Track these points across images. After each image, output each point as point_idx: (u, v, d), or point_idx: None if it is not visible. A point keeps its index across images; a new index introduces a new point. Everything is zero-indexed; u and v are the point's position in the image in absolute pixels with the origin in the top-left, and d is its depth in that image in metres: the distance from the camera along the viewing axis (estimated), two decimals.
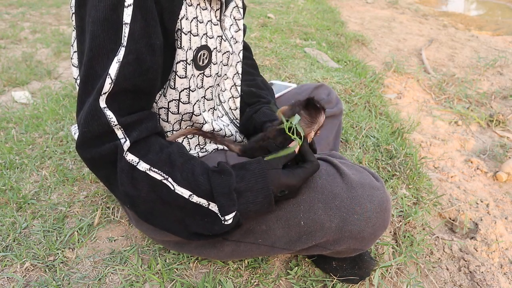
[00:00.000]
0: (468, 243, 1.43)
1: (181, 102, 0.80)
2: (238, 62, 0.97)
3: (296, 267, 1.04)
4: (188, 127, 0.88)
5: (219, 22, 0.85)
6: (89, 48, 0.64)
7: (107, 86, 0.64)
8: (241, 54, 0.97)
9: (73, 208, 1.22)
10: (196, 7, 0.77)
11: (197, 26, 0.77)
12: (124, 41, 0.64)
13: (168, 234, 0.82)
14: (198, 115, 0.84)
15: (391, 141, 1.75)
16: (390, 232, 1.27)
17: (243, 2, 0.95)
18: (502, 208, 1.72)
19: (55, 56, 2.86)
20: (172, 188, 0.68)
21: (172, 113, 0.82)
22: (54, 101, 1.99)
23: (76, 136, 0.78)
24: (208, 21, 0.81)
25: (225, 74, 0.94)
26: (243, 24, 0.97)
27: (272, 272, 1.02)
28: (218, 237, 0.74)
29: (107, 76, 0.63)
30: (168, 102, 0.80)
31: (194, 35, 0.76)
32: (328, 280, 1.01)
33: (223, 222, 0.69)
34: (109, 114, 0.65)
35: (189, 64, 0.77)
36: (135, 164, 0.67)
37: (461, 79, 3.19)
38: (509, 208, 1.72)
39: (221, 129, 0.93)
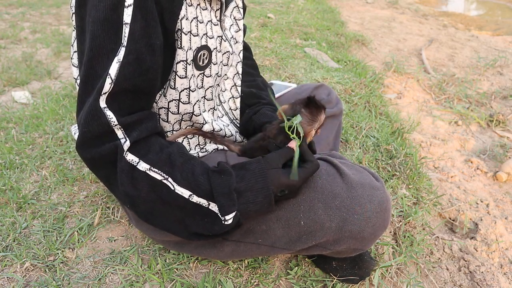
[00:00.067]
0: (468, 243, 1.43)
1: (181, 102, 0.80)
2: (238, 62, 0.97)
3: (296, 267, 1.04)
4: (188, 127, 0.88)
5: (219, 22, 0.85)
6: (89, 48, 0.64)
7: (107, 86, 0.64)
8: (241, 54, 0.97)
9: (73, 208, 1.22)
10: (196, 7, 0.77)
11: (197, 26, 0.77)
12: (124, 41, 0.64)
13: (168, 234, 0.82)
14: (198, 115, 0.84)
15: (391, 141, 1.75)
16: (390, 232, 1.27)
17: (243, 2, 0.95)
18: (502, 208, 1.72)
19: (55, 56, 2.86)
20: (172, 188, 0.68)
21: (172, 113, 0.82)
22: (54, 101, 1.99)
23: (76, 136, 0.78)
24: (208, 21, 0.81)
25: (225, 74, 0.94)
26: (243, 24, 0.97)
27: (272, 272, 1.02)
28: (218, 237, 0.74)
29: (107, 76, 0.63)
30: (168, 102, 0.80)
31: (194, 35, 0.76)
32: (328, 280, 1.01)
33: (223, 222, 0.69)
34: (109, 114, 0.65)
35: (189, 64, 0.77)
36: (135, 164, 0.67)
37: (461, 79, 3.20)
38: (509, 208, 1.72)
39: (221, 129, 0.93)
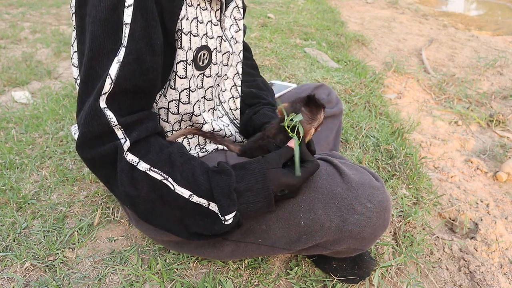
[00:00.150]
0: (468, 243, 1.43)
1: (181, 102, 0.80)
2: (238, 62, 0.97)
3: (296, 267, 1.04)
4: (188, 127, 0.88)
5: (219, 23, 0.85)
6: (89, 48, 0.64)
7: (107, 86, 0.64)
8: (241, 55, 0.97)
9: (73, 208, 1.22)
10: (196, 7, 0.77)
11: (197, 27, 0.77)
12: (125, 41, 0.64)
13: (168, 234, 0.82)
14: (198, 115, 0.84)
15: (391, 141, 1.75)
16: (390, 232, 1.27)
17: (243, 2, 0.95)
18: (502, 208, 1.72)
19: (55, 56, 2.86)
20: (172, 188, 0.68)
21: (172, 113, 0.82)
22: (54, 101, 1.99)
23: (76, 136, 0.78)
24: (208, 21, 0.81)
25: (225, 75, 0.94)
26: (243, 24, 0.97)
27: (272, 272, 1.02)
28: (218, 237, 0.74)
29: (107, 76, 0.63)
30: (168, 102, 0.80)
31: (194, 36, 0.76)
32: (328, 280, 1.01)
33: (223, 222, 0.69)
34: (109, 114, 0.65)
35: (189, 65, 0.77)
36: (135, 164, 0.67)
37: (461, 79, 3.20)
38: (509, 208, 1.72)
39: (221, 129, 0.93)
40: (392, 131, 1.93)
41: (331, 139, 1.26)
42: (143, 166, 0.67)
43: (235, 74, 0.99)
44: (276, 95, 1.27)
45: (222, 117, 1.00)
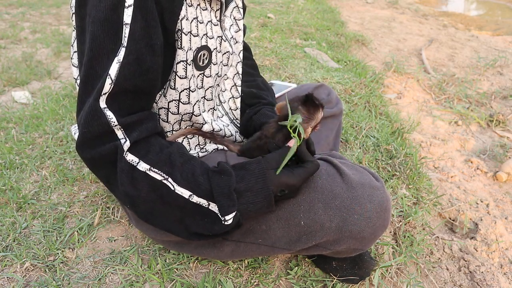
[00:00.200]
0: (468, 243, 1.43)
1: (181, 102, 0.80)
2: (238, 62, 0.97)
3: (296, 267, 1.04)
4: (188, 127, 0.88)
5: (219, 23, 0.85)
6: (89, 48, 0.64)
7: (107, 87, 0.64)
8: (241, 54, 0.97)
9: (73, 208, 1.22)
10: (196, 7, 0.77)
11: (197, 27, 0.77)
12: (125, 41, 0.64)
13: (168, 234, 0.82)
14: (198, 116, 0.84)
15: (391, 141, 1.75)
16: (390, 232, 1.27)
17: (243, 2, 0.95)
18: (502, 208, 1.72)
19: (55, 56, 2.86)
20: (172, 188, 0.68)
21: (172, 114, 0.82)
22: (54, 101, 1.99)
23: (76, 136, 0.78)
24: (208, 21, 0.81)
25: (225, 75, 0.94)
26: (243, 24, 0.97)
27: (272, 272, 1.02)
28: (218, 237, 0.74)
29: (107, 77, 0.63)
30: (168, 103, 0.80)
31: (194, 36, 0.76)
32: (328, 280, 1.01)
33: (223, 222, 0.69)
34: (109, 114, 0.65)
35: (189, 65, 0.77)
36: (135, 164, 0.67)
37: (461, 79, 3.20)
38: (509, 208, 1.72)
39: (221, 129, 0.93)
40: (392, 131, 1.93)
41: (331, 139, 1.26)
42: (143, 166, 0.67)
43: (235, 74, 0.99)
44: (276, 95, 1.27)
45: (222, 117, 1.00)
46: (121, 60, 0.63)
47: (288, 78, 2.33)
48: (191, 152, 0.91)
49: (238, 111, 1.03)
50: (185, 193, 0.68)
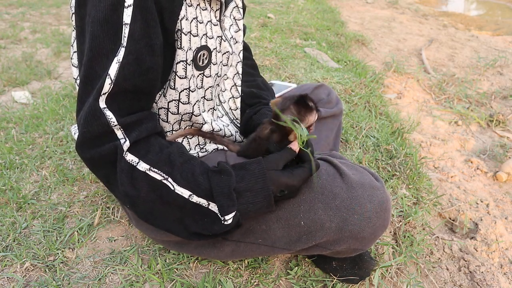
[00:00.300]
0: (468, 243, 1.43)
1: (181, 102, 0.80)
2: (238, 62, 0.97)
3: (296, 267, 1.04)
4: (187, 127, 0.88)
5: (219, 23, 0.85)
6: (89, 48, 0.64)
7: (107, 87, 0.64)
8: (241, 54, 0.97)
9: (73, 208, 1.22)
10: (196, 7, 0.77)
11: (197, 27, 0.77)
12: (124, 41, 0.64)
13: (168, 234, 0.82)
14: (198, 115, 0.84)
15: (391, 141, 1.75)
16: (390, 232, 1.27)
17: (243, 2, 0.95)
18: (502, 208, 1.72)
19: (55, 56, 2.86)
20: (172, 188, 0.68)
21: (172, 113, 0.82)
22: (54, 101, 1.99)
23: (76, 136, 0.78)
24: (208, 21, 0.81)
25: (225, 74, 0.94)
26: (243, 24, 0.97)
27: (272, 272, 1.02)
28: (218, 237, 0.74)
29: (107, 77, 0.63)
30: (168, 102, 0.80)
31: (194, 36, 0.76)
32: (328, 280, 1.01)
33: (223, 222, 0.69)
34: (109, 114, 0.65)
35: (189, 65, 0.77)
36: (134, 164, 0.67)
37: (461, 79, 3.20)
38: (509, 208, 1.72)
39: (220, 129, 0.93)
40: (392, 131, 1.93)
41: (331, 139, 1.26)
42: (143, 166, 0.67)
43: (235, 74, 0.99)
44: (276, 95, 1.27)
45: (222, 117, 1.00)
46: (120, 60, 0.63)
47: (288, 78, 2.33)
48: (191, 152, 0.91)
49: (238, 111, 1.03)
50: (185, 193, 0.68)
